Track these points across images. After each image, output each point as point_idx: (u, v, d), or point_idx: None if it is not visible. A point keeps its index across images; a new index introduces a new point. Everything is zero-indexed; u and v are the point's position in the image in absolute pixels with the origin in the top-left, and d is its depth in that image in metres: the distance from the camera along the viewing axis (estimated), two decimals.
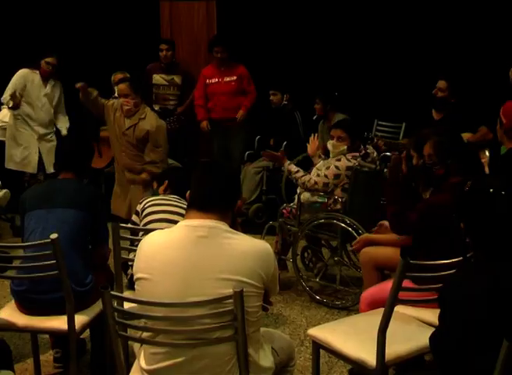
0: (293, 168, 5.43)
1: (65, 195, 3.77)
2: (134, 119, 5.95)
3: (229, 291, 2.53)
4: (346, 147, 5.27)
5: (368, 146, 5.44)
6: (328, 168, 5.23)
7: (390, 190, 4.09)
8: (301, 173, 5.36)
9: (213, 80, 7.56)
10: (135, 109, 5.95)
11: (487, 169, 4.89)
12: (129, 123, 5.96)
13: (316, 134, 5.63)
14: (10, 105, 6.92)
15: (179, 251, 2.64)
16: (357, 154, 5.26)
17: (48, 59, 7.07)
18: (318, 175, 5.24)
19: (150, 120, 5.95)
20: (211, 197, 2.74)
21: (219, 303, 2.55)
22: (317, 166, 5.47)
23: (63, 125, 7.35)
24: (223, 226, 2.70)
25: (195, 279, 2.59)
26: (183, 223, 2.75)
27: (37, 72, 7.11)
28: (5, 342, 3.32)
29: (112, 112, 6.07)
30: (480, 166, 4.09)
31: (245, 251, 2.65)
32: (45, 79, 7.16)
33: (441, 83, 6.28)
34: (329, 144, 5.38)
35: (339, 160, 5.23)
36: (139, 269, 2.71)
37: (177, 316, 2.59)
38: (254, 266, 2.64)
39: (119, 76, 7.07)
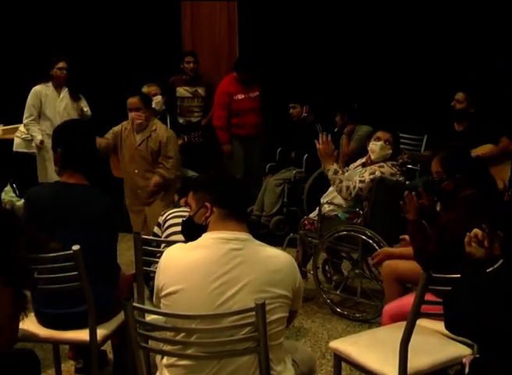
0: (338, 169, 5.26)
1: (79, 215, 3.57)
2: (146, 132, 5.92)
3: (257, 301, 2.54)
4: (391, 152, 5.24)
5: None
6: (373, 173, 5.12)
7: (411, 227, 4.08)
8: (343, 177, 5.22)
9: (240, 97, 7.49)
10: (146, 123, 5.92)
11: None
12: (140, 138, 5.92)
13: (325, 134, 5.46)
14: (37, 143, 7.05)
15: (213, 265, 2.63)
16: (396, 162, 5.24)
17: (61, 64, 7.06)
18: (362, 181, 5.13)
19: (161, 132, 5.95)
20: (245, 206, 2.78)
21: (243, 314, 2.56)
22: (347, 175, 5.33)
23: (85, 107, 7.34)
24: (252, 238, 2.75)
25: (231, 292, 2.60)
26: (215, 236, 2.72)
27: (49, 84, 7.09)
28: (33, 353, 3.32)
29: (120, 135, 6.02)
30: (491, 177, 4.06)
31: (277, 263, 2.68)
32: (60, 86, 7.13)
33: (459, 95, 6.33)
34: (375, 145, 5.24)
35: (382, 167, 5.16)
36: (169, 283, 2.67)
37: (200, 328, 2.60)
38: (287, 277, 2.68)
39: (153, 89, 7.00)
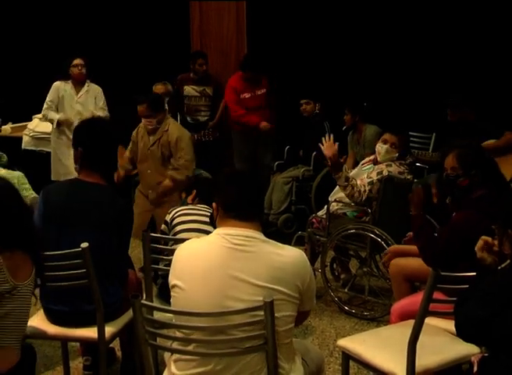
0: (349, 176, 5.16)
1: (89, 214, 3.60)
2: (158, 133, 5.92)
3: (266, 299, 2.54)
4: (397, 154, 5.22)
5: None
6: (380, 173, 5.11)
7: (415, 222, 4.08)
8: (354, 183, 5.14)
9: (246, 95, 7.47)
10: (158, 126, 5.92)
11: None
12: (153, 139, 5.94)
13: (328, 135, 5.37)
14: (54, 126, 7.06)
15: (215, 260, 2.65)
16: (404, 161, 5.22)
17: (76, 62, 7.02)
18: (370, 183, 5.10)
19: (173, 132, 5.92)
20: (252, 207, 2.77)
21: (251, 312, 2.56)
22: (351, 174, 5.31)
23: None
24: (260, 235, 2.73)
25: (231, 286, 2.61)
26: (220, 232, 2.74)
27: (69, 82, 7.08)
28: (30, 346, 3.34)
29: (137, 139, 6.05)
30: (502, 176, 4.05)
31: (282, 261, 2.66)
32: (80, 84, 7.11)
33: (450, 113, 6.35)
34: (380, 148, 5.24)
35: (390, 166, 5.14)
36: (175, 276, 2.72)
37: (208, 325, 2.60)
38: (291, 276, 2.65)
39: (159, 87, 6.94)
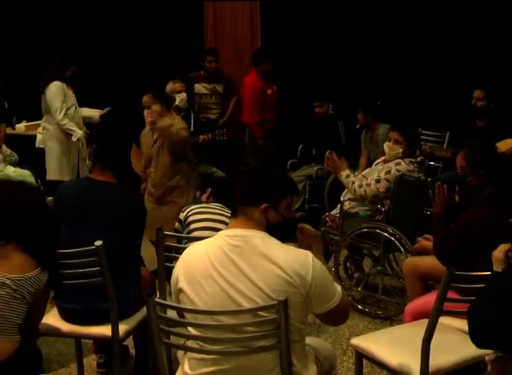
0: (349, 173, 5.31)
1: (100, 213, 3.62)
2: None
3: (264, 300, 2.54)
4: (401, 150, 5.20)
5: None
6: (388, 172, 5.10)
7: (434, 220, 4.04)
8: (356, 178, 5.26)
9: (269, 92, 7.62)
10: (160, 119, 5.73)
11: None
12: (155, 137, 5.78)
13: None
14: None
15: (216, 262, 2.64)
16: (414, 160, 5.21)
17: (73, 68, 6.90)
18: (378, 181, 5.10)
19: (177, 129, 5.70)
20: (240, 200, 2.76)
21: (262, 311, 2.55)
22: (364, 173, 5.39)
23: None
24: (258, 233, 2.68)
25: (232, 288, 2.60)
26: (221, 233, 2.76)
27: (65, 83, 6.86)
28: (36, 348, 3.34)
29: (144, 137, 5.94)
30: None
31: (280, 262, 2.59)
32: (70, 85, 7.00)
33: (477, 93, 6.29)
34: (385, 146, 5.31)
35: (399, 164, 5.12)
36: (180, 280, 2.71)
37: (221, 324, 2.60)
38: (291, 277, 2.57)
39: (178, 85, 6.85)
